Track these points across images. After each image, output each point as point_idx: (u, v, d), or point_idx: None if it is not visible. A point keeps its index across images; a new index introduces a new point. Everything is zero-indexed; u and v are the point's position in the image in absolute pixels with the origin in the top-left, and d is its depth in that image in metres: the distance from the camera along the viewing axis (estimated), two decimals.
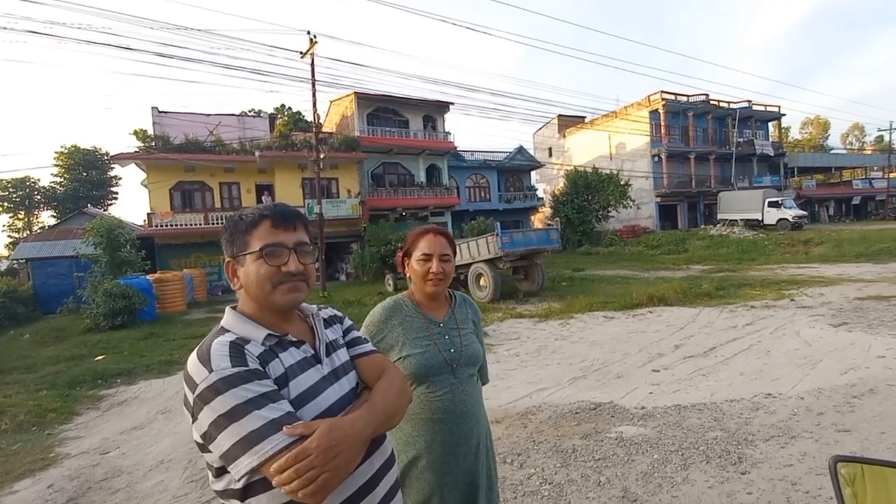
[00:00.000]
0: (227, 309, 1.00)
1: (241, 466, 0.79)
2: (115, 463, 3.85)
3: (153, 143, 19.66)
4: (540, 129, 39.11)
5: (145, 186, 19.97)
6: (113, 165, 32.43)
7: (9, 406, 5.27)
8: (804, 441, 3.29)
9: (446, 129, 25.73)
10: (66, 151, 34.12)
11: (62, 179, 34.58)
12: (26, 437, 4.52)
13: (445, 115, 25.72)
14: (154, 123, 21.24)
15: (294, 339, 0.98)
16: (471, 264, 11.88)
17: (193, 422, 0.84)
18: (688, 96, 32.01)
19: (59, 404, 5.40)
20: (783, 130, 41.14)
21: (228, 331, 0.93)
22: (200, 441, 0.84)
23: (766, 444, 3.29)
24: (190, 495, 3.19)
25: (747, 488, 2.74)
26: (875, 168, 42.25)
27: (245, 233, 0.97)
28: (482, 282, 11.69)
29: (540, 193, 32.72)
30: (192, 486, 3.31)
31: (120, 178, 37.55)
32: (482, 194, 29.07)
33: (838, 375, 4.63)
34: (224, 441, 0.80)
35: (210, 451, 0.83)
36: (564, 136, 37.81)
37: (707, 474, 2.93)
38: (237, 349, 0.87)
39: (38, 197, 35.29)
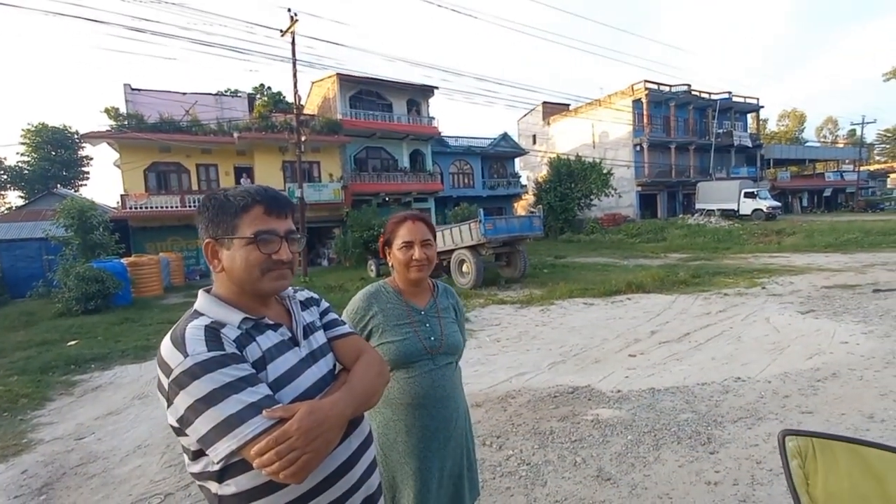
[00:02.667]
0: (201, 292, 0.98)
1: (221, 450, 0.79)
2: (90, 448, 3.79)
3: (126, 122, 18.93)
4: (524, 115, 39.07)
5: (118, 167, 19.28)
6: (83, 145, 31.27)
7: None
8: (770, 422, 3.44)
9: (430, 114, 25.47)
10: (33, 129, 32.62)
11: (29, 159, 33.08)
12: None
13: (430, 100, 25.43)
14: (127, 101, 20.45)
15: (271, 322, 0.98)
16: (453, 250, 11.90)
17: (169, 406, 0.83)
18: (670, 86, 32.32)
19: (30, 390, 5.25)
20: (761, 122, 41.96)
21: (202, 314, 0.92)
22: (176, 425, 0.84)
23: (734, 425, 3.43)
24: (168, 479, 3.17)
25: (715, 467, 2.86)
26: (847, 161, 43.58)
27: (234, 216, 0.94)
28: (465, 268, 11.73)
29: (523, 181, 32.85)
30: (170, 471, 3.29)
31: (91, 158, 36.16)
32: (466, 180, 29.02)
33: (804, 360, 4.83)
34: (202, 425, 0.80)
35: (186, 435, 0.83)
36: (549, 123, 37.85)
37: (678, 454, 3.04)
38: (213, 333, 0.86)
39: (4, 176, 33.75)
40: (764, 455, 2.96)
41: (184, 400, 0.80)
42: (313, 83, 25.51)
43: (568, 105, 35.89)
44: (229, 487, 0.85)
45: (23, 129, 32.75)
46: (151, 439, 3.87)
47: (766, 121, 52.42)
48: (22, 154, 33.05)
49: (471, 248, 11.55)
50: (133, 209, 17.88)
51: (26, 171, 32.96)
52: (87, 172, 36.43)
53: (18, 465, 3.53)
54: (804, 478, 0.84)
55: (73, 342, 7.75)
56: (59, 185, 28.38)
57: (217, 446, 0.79)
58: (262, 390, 0.84)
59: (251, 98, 26.08)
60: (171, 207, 18.21)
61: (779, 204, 27.20)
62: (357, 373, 1.01)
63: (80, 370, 6.15)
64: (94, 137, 18.33)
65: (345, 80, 22.49)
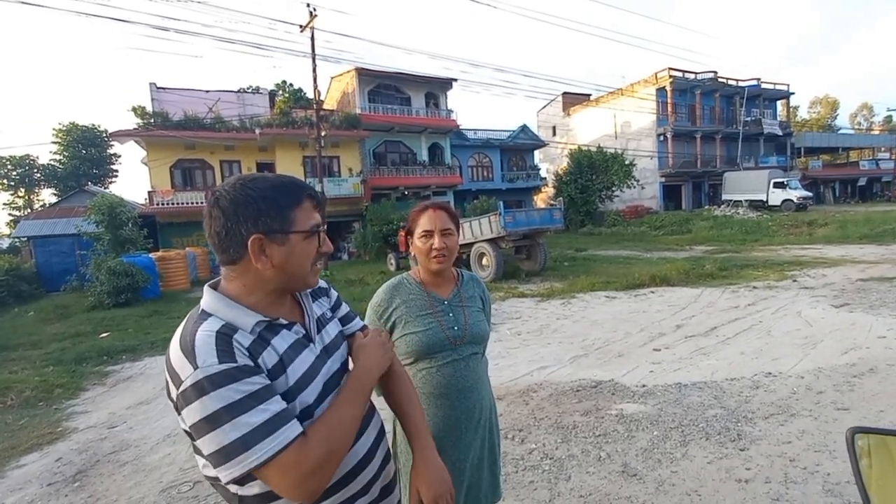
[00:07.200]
0: (206, 289, 0.90)
1: (224, 475, 0.77)
2: (122, 437, 3.92)
3: (152, 121, 19.42)
4: (544, 107, 38.51)
5: (145, 164, 19.84)
6: (112, 143, 32.17)
7: (15, 382, 5.33)
8: (803, 419, 3.32)
9: (449, 107, 25.35)
10: (64, 128, 33.76)
11: (61, 157, 34.27)
12: (33, 412, 4.59)
13: (448, 93, 25.31)
14: (152, 100, 20.95)
15: (285, 322, 0.93)
16: (473, 244, 11.85)
17: (178, 415, 0.80)
18: (696, 73, 31.36)
19: (65, 380, 5.47)
20: (791, 109, 40.40)
21: (212, 315, 0.86)
22: (188, 431, 0.81)
23: (766, 421, 3.32)
24: (197, 468, 3.24)
25: (745, 464, 2.77)
26: (883, 149, 41.59)
27: (289, 208, 0.89)
28: (484, 261, 11.68)
29: (543, 173, 32.42)
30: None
31: (119, 156, 37.21)
32: (485, 174, 28.83)
33: (839, 355, 4.65)
34: (205, 447, 0.76)
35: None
36: (569, 114, 37.23)
37: (706, 450, 2.96)
38: (224, 341, 0.80)
39: (38, 175, 35.06)
40: (797, 453, 2.85)
41: (190, 416, 0.76)
42: (332, 78, 25.65)
43: (589, 95, 35.20)
44: (252, 488, 0.83)
45: (54, 129, 33.94)
46: (180, 429, 3.96)
47: (796, 108, 50.51)
48: (54, 152, 34.29)
49: (490, 241, 11.50)
50: (160, 205, 18.39)
51: (59, 169, 34.18)
52: (116, 170, 37.55)
53: (53, 453, 3.67)
54: (871, 478, 0.79)
55: (105, 334, 8.03)
56: (89, 183, 29.30)
57: (219, 471, 0.77)
58: (273, 407, 0.79)
59: (272, 94, 26.40)
60: (197, 203, 18.63)
61: (810, 194, 26.16)
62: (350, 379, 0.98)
63: (112, 361, 6.38)
64: (122, 135, 18.88)
65: (363, 74, 22.53)
